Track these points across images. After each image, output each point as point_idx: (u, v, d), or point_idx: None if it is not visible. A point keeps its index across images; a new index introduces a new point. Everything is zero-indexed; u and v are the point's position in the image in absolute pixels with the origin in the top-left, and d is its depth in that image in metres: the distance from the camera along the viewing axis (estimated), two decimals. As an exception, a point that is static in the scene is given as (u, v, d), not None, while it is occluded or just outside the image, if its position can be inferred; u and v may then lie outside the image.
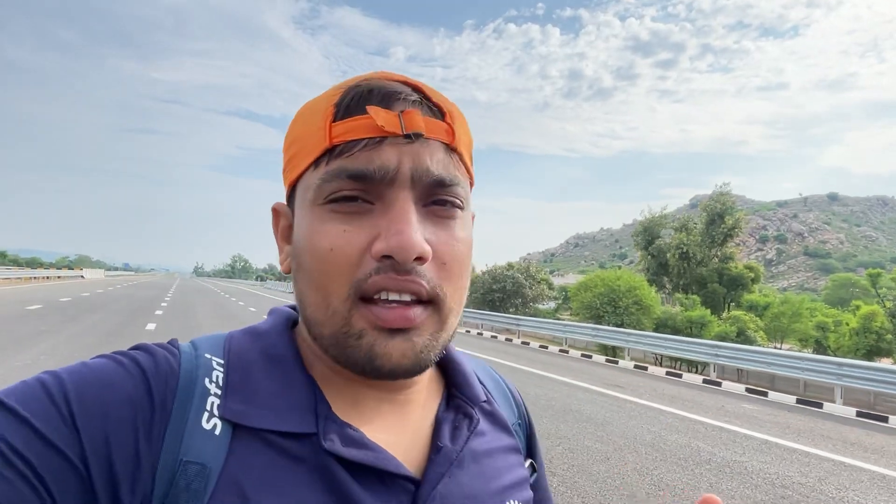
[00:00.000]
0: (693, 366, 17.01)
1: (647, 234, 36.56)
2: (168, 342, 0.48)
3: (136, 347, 0.46)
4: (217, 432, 0.42)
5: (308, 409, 0.45)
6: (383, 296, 0.42)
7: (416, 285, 0.42)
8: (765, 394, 10.61)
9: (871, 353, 31.42)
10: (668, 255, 35.30)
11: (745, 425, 7.44)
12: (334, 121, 0.43)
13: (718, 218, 35.21)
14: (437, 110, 0.46)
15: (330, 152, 0.43)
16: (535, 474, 0.60)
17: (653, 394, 9.48)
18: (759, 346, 22.21)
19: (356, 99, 0.44)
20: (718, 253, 35.29)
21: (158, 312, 18.37)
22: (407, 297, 0.43)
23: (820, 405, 9.71)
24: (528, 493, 0.54)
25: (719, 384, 11.40)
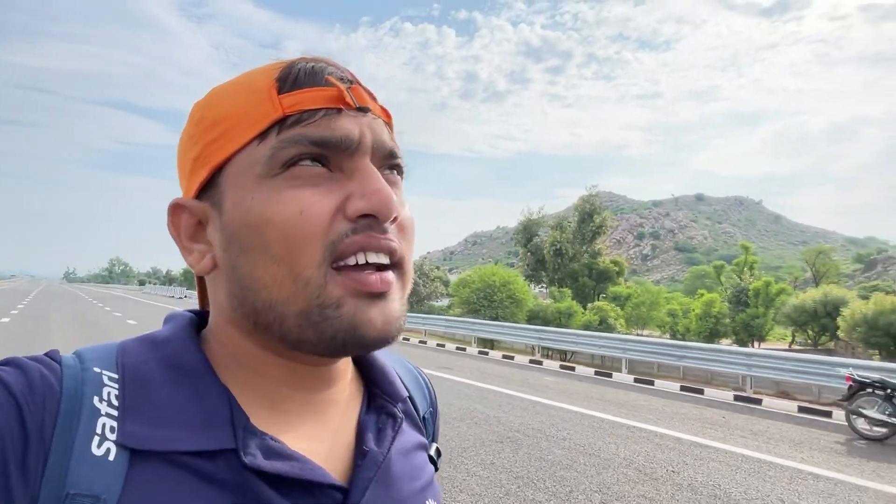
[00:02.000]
0: (563, 353, 18.66)
1: (527, 232, 39.34)
2: (46, 354, 0.42)
3: (3, 363, 0.39)
4: (111, 458, 0.37)
5: (224, 422, 0.40)
6: (360, 259, 0.41)
7: (394, 244, 0.42)
8: (573, 369, 12.52)
9: (712, 335, 36.03)
10: (545, 251, 38.22)
11: (531, 392, 8.99)
12: (280, 93, 0.42)
13: (588, 217, 38.64)
14: (368, 91, 0.46)
15: (281, 123, 0.42)
16: (440, 458, 0.60)
17: (474, 372, 10.92)
18: (619, 332, 24.91)
19: (304, 73, 0.43)
20: (588, 249, 38.71)
21: (5, 320, 17.45)
22: (384, 259, 0.42)
23: (610, 375, 11.68)
24: (438, 488, 0.54)
25: (541, 363, 13.25)
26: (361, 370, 0.54)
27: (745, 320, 35.94)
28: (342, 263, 0.41)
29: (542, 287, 41.29)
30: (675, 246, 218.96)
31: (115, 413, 0.39)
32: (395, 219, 0.42)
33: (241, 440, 0.40)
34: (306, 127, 0.41)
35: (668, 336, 40.05)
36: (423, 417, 0.59)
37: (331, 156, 0.42)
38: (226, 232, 0.43)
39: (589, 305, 30.65)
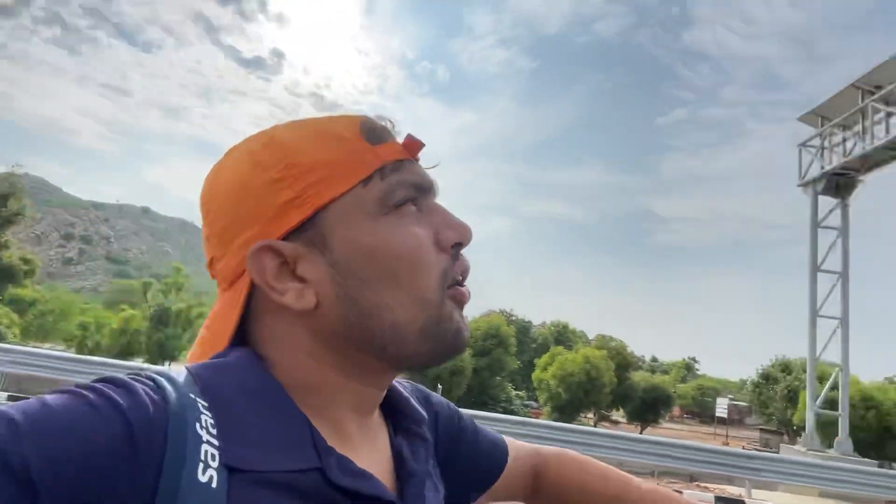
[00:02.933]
0: None
1: None
2: (143, 375, 0.41)
3: (106, 381, 0.39)
4: (214, 485, 0.37)
5: (308, 442, 0.44)
6: (458, 278, 0.51)
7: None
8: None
9: (126, 352, 34.74)
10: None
11: None
12: (372, 145, 0.50)
13: (2, 200, 31.42)
14: None
15: (381, 170, 0.49)
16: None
17: None
18: (10, 343, 20.48)
19: (382, 128, 0.51)
20: (-5, 238, 31.29)
21: None
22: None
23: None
24: None
25: None
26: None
27: (162, 340, 36.55)
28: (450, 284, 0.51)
29: None
30: (108, 255, 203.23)
31: (215, 441, 0.40)
32: None
33: (325, 460, 0.44)
34: (402, 174, 0.50)
35: (73, 350, 36.29)
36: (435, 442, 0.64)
37: (419, 197, 0.51)
38: (339, 266, 0.47)
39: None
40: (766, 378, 41.37)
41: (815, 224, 13.02)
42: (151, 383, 0.41)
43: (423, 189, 0.51)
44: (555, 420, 22.32)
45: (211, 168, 0.53)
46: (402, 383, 0.65)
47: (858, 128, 11.94)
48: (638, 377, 37.36)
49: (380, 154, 0.49)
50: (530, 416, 23.27)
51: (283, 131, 0.51)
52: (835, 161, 12.67)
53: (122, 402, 0.37)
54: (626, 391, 33.96)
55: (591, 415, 35.18)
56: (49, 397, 0.36)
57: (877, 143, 11.12)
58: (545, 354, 33.84)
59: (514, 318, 48.54)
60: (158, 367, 0.57)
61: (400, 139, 0.52)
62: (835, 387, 13.44)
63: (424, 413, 0.60)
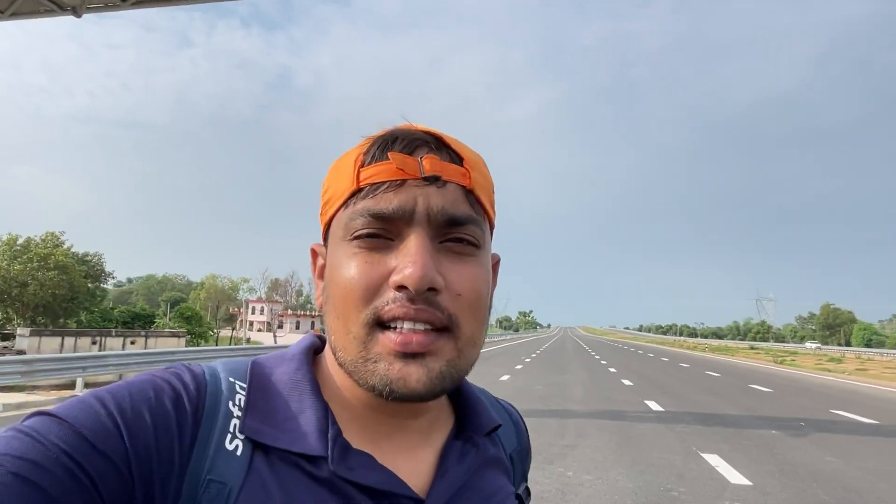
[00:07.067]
0: None
1: None
2: (197, 366, 0.50)
3: (170, 369, 0.49)
4: (238, 453, 0.45)
5: (320, 433, 0.48)
6: (398, 324, 0.46)
7: (427, 314, 0.46)
8: None
9: None
10: None
11: None
12: (362, 166, 0.49)
13: None
14: (456, 156, 0.51)
15: (356, 194, 0.48)
16: (529, 498, 0.66)
17: None
18: None
19: (381, 146, 0.49)
20: None
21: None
22: (421, 326, 0.46)
23: None
24: None
25: None
26: (452, 400, 0.60)
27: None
28: (388, 326, 0.47)
29: None
30: None
31: (241, 413, 0.48)
32: (434, 289, 0.46)
33: (331, 450, 0.47)
34: (371, 199, 0.48)
35: None
36: (510, 455, 0.64)
37: (389, 227, 0.48)
38: (325, 279, 0.52)
39: None
40: None
41: None
42: (200, 373, 0.50)
43: (389, 217, 0.47)
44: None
45: None
46: (486, 395, 0.67)
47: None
48: None
49: (360, 177, 0.49)
50: None
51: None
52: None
53: (177, 383, 0.47)
54: None
55: None
56: (133, 379, 0.47)
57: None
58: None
59: None
60: (229, 359, 0.56)
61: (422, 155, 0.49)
62: None
63: (492, 425, 0.59)
